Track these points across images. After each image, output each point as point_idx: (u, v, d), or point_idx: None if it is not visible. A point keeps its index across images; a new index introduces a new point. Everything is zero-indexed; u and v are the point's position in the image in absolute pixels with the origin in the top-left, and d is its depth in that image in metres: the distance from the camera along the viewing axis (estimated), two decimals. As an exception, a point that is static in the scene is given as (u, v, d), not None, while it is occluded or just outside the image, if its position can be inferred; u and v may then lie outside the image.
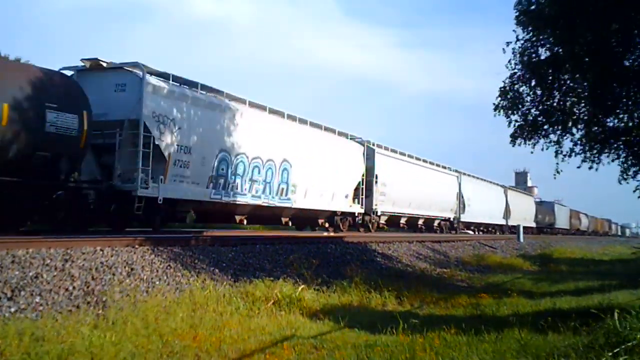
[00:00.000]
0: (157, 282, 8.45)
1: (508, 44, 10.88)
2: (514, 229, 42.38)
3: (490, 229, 41.68)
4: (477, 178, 39.37)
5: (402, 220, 27.69)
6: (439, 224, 32.23)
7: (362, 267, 12.40)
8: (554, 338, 6.56)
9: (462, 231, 34.79)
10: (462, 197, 34.63)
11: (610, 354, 5.26)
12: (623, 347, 5.32)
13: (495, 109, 11.47)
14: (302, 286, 9.16)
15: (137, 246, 9.64)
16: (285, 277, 9.43)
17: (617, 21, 9.13)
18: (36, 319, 6.14)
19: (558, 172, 11.54)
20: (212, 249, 11.12)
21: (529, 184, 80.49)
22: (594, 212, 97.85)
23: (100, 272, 8.00)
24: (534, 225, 49.99)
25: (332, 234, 19.17)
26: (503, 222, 43.45)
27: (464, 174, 36.19)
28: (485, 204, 38.65)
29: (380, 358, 5.94)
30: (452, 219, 33.46)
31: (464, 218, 35.13)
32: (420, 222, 29.73)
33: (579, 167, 11.60)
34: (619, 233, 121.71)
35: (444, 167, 33.80)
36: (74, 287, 7.29)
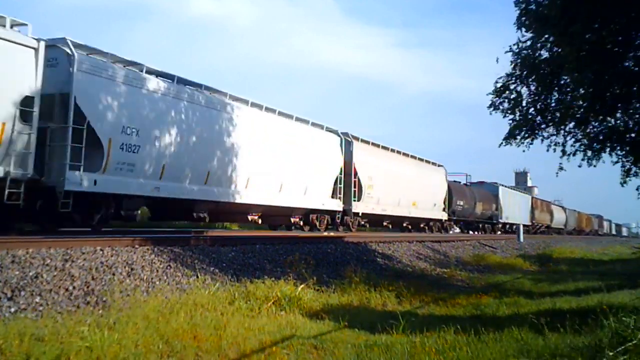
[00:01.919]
0: (157, 282, 8.45)
1: (511, 47, 10.88)
2: (393, 224, 26.97)
3: (304, 221, 20.34)
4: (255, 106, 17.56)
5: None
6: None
7: (362, 267, 12.39)
8: (554, 338, 6.55)
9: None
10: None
11: (610, 353, 5.26)
12: (623, 347, 5.32)
13: (489, 107, 11.46)
14: (302, 286, 9.16)
15: (137, 246, 9.65)
16: (285, 277, 9.43)
17: (616, 21, 9.12)
18: (36, 319, 6.15)
19: (561, 169, 11.52)
20: (212, 249, 11.13)
21: (529, 184, 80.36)
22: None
23: (100, 272, 8.00)
24: (444, 217, 31.92)
25: (332, 233, 19.19)
26: (334, 205, 21.08)
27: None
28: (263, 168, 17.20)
29: (380, 358, 5.94)
30: None
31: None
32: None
33: (579, 166, 11.58)
34: (614, 232, 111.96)
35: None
36: (74, 287, 7.30)
